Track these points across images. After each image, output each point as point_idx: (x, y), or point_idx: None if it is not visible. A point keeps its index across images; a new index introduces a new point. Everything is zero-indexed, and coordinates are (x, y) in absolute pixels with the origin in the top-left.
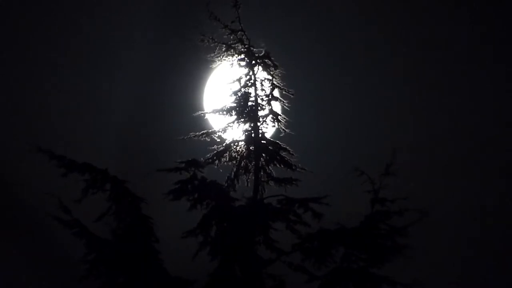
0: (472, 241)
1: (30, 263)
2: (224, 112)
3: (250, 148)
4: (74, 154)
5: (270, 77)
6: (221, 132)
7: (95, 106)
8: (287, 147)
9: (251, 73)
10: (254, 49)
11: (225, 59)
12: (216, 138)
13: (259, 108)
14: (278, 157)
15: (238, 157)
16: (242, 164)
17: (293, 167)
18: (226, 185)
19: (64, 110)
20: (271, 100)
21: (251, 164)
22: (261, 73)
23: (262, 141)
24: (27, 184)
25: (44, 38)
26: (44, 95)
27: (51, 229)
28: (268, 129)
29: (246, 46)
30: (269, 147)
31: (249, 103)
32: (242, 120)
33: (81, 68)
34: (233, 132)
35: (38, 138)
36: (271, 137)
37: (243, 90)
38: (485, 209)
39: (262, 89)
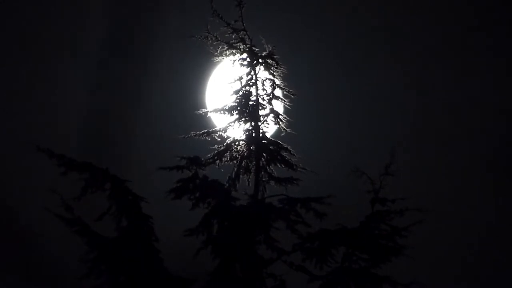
0: (472, 241)
1: (24, 264)
2: (225, 111)
3: (251, 147)
4: (72, 154)
5: (271, 77)
6: (222, 131)
7: (95, 104)
8: (288, 147)
9: (252, 72)
10: (256, 49)
11: (227, 57)
12: (217, 138)
13: (260, 107)
14: (278, 156)
15: (239, 156)
16: (243, 163)
17: (294, 167)
18: (227, 185)
19: (61, 107)
20: (272, 100)
21: (252, 163)
22: (262, 73)
23: (263, 141)
24: (24, 184)
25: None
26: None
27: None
28: (269, 129)
29: (248, 45)
30: (270, 147)
31: (250, 103)
32: (243, 119)
33: (80, 65)
34: (234, 131)
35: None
36: (272, 137)
37: (244, 89)
38: (486, 209)
39: (263, 89)
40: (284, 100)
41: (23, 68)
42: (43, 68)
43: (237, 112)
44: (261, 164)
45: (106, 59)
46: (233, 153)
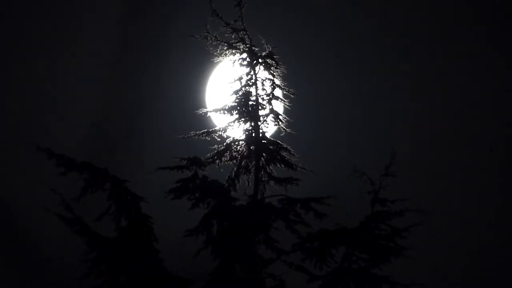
0: (472, 241)
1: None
2: (225, 111)
3: (251, 147)
4: (72, 155)
5: (271, 77)
6: (221, 131)
7: (95, 104)
8: (288, 147)
9: (252, 72)
10: (256, 49)
11: (226, 57)
12: (216, 138)
13: (259, 107)
14: (278, 156)
15: (239, 156)
16: (242, 163)
17: (294, 167)
18: (227, 184)
19: (60, 107)
20: (272, 100)
21: (251, 163)
22: (262, 73)
23: (263, 141)
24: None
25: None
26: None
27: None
28: (269, 129)
29: (247, 45)
30: (270, 147)
31: (250, 103)
32: (243, 119)
33: (80, 65)
34: (233, 131)
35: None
36: (271, 137)
37: (244, 89)
38: (486, 209)
39: (263, 89)
40: (284, 100)
41: (24, 67)
42: (43, 67)
43: (236, 112)
44: (260, 164)
45: (107, 59)
46: (233, 153)
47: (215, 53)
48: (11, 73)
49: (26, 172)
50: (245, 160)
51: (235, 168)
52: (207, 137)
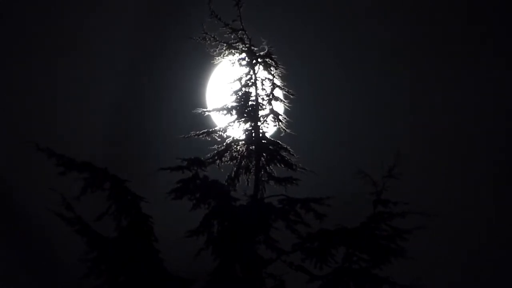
0: (472, 241)
1: (23, 263)
2: (225, 112)
3: (251, 147)
4: (72, 154)
5: (270, 77)
6: (221, 131)
7: (95, 105)
8: (288, 147)
9: (251, 72)
10: (255, 49)
11: (226, 58)
12: (216, 138)
13: (259, 107)
14: (278, 156)
15: (239, 156)
16: (242, 163)
17: (294, 167)
18: (227, 184)
19: (60, 108)
20: (271, 100)
21: (251, 163)
22: (262, 73)
23: (263, 141)
24: (21, 183)
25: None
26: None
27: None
28: (269, 129)
29: (247, 45)
30: (270, 147)
31: (250, 103)
32: (243, 119)
33: (81, 65)
34: (233, 131)
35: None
36: (271, 137)
37: (243, 89)
38: (486, 210)
39: (263, 89)
40: (284, 101)
41: (24, 68)
42: (44, 67)
43: (236, 112)
44: (261, 164)
45: (107, 60)
46: (233, 153)
47: (214, 54)
48: (12, 73)
49: (26, 172)
50: (245, 160)
51: (235, 168)
52: (207, 137)
